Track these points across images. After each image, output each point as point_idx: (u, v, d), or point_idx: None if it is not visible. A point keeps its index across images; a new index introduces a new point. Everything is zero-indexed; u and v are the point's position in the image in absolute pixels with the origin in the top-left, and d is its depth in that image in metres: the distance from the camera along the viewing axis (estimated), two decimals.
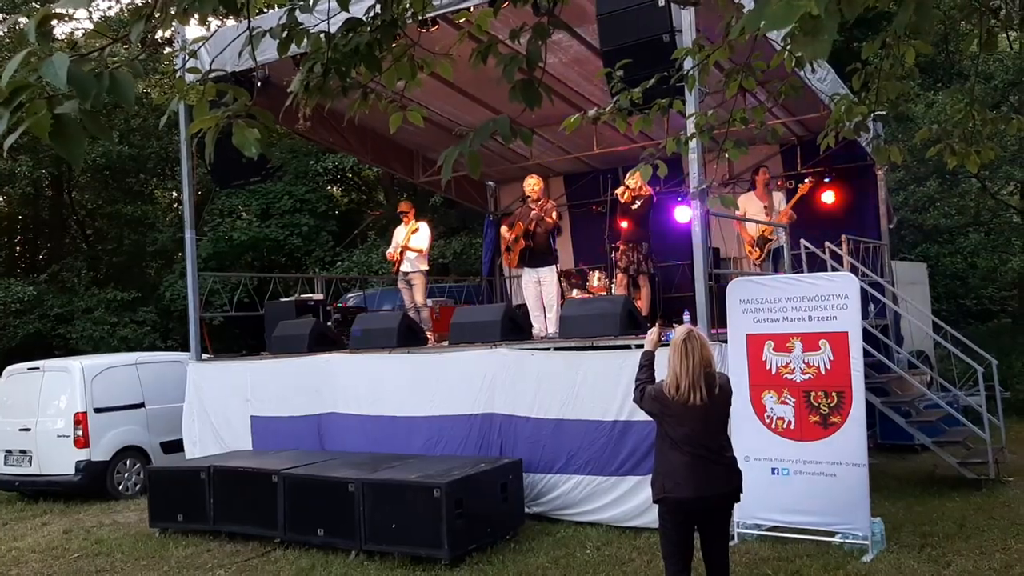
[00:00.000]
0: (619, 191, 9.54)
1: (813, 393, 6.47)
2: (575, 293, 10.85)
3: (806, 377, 6.50)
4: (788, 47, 4.01)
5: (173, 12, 2.69)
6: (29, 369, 10.82)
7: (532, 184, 9.59)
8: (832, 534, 6.37)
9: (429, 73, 3.62)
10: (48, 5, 2.30)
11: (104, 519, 9.08)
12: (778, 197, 10.00)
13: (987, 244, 15.00)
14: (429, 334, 9.94)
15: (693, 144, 5.91)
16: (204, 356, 10.37)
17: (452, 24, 7.47)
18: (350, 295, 14.70)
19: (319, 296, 11.82)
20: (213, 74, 3.15)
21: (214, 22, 15.11)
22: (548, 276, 9.37)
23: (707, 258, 7.21)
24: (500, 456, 7.65)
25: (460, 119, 11.17)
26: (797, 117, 10.78)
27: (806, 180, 10.54)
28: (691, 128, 5.24)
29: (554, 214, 9.52)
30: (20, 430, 10.32)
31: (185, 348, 11.84)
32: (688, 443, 4.36)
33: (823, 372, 6.44)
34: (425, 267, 10.61)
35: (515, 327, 8.57)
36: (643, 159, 4.36)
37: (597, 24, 7.29)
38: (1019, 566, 5.84)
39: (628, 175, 9.42)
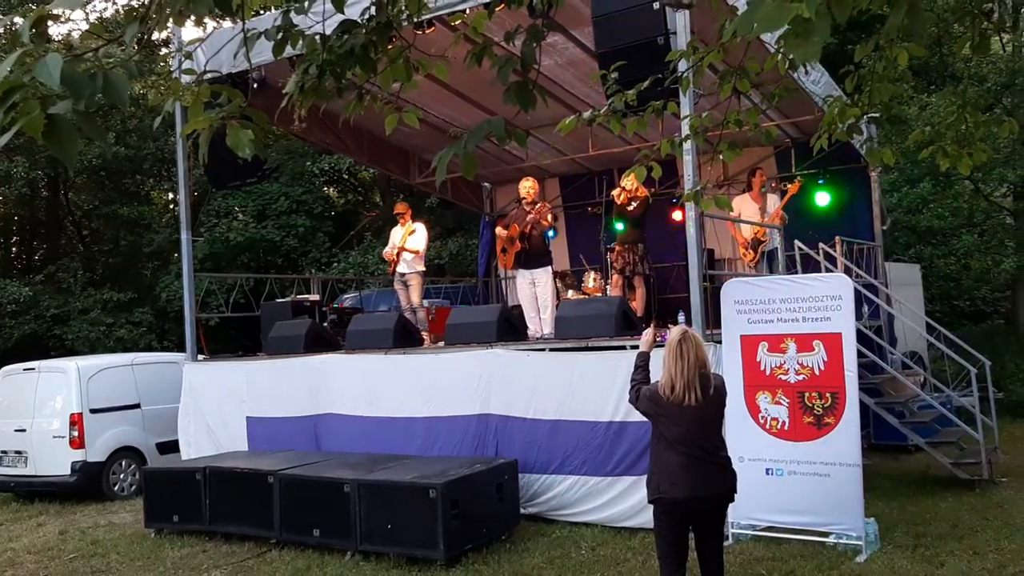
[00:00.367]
0: (615, 192, 9.56)
1: (807, 394, 6.49)
2: (570, 294, 10.87)
3: (800, 378, 6.52)
4: (781, 49, 4.03)
5: (168, 13, 2.71)
6: (25, 370, 10.81)
7: (527, 186, 9.61)
8: (826, 534, 6.39)
9: (425, 75, 3.64)
10: (43, 6, 2.31)
11: (100, 520, 9.07)
12: (772, 199, 10.03)
13: (980, 246, 15.04)
14: (425, 335, 9.95)
15: (687, 146, 5.94)
16: (200, 357, 10.36)
17: (448, 26, 7.49)
18: (346, 296, 14.70)
19: (315, 297, 11.82)
20: (208, 75, 3.16)
21: (210, 23, 15.12)
22: (543, 277, 9.39)
23: (702, 259, 7.24)
24: (496, 457, 7.67)
25: (456, 120, 11.18)
26: (791, 119, 10.81)
27: (795, 180, 10.55)
28: (685, 130, 5.25)
29: (549, 217, 9.54)
30: (16, 431, 10.31)
31: (181, 349, 11.85)
32: (683, 443, 4.37)
33: (817, 373, 6.46)
34: (421, 268, 10.62)
35: (511, 328, 8.59)
36: (637, 161, 4.38)
37: (592, 26, 7.31)
38: (1012, 566, 5.87)
39: (624, 176, 9.44)
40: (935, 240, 15.42)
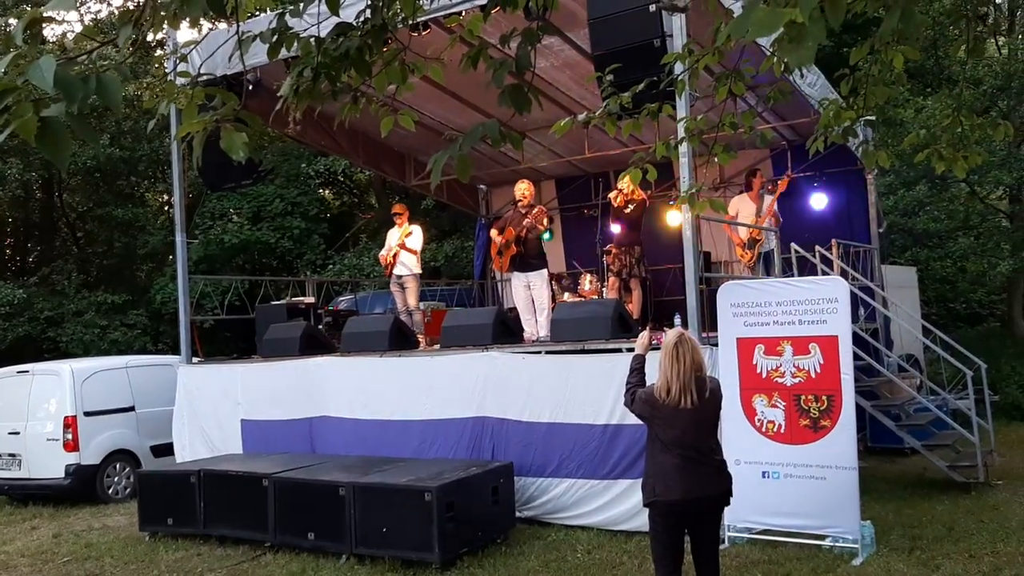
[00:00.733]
0: (612, 195, 9.56)
1: (803, 396, 6.49)
2: (566, 296, 10.87)
3: (796, 380, 6.52)
4: (776, 52, 4.03)
5: (163, 15, 2.70)
6: (18, 372, 10.77)
7: (523, 189, 9.60)
8: (822, 537, 6.39)
9: (420, 77, 3.63)
10: (37, 8, 2.30)
11: (94, 523, 9.04)
12: (767, 200, 10.05)
13: (976, 248, 15.07)
14: (421, 337, 9.94)
15: (683, 148, 5.93)
16: (195, 359, 10.34)
17: (443, 28, 7.48)
18: (341, 298, 14.69)
19: (310, 299, 11.80)
20: (203, 78, 3.15)
21: (206, 25, 15.10)
22: (537, 280, 9.38)
23: (698, 262, 7.23)
24: (492, 460, 7.66)
25: (451, 122, 11.17)
26: (787, 121, 10.82)
27: (784, 176, 10.54)
28: (681, 132, 5.25)
29: (545, 220, 9.54)
30: (9, 434, 10.27)
31: (175, 351, 11.79)
32: (678, 446, 4.37)
33: (813, 376, 6.46)
34: (418, 270, 10.60)
35: (506, 330, 8.58)
36: (633, 163, 4.38)
37: (588, 28, 7.31)
38: (1008, 569, 5.87)
39: (620, 178, 9.44)
40: (931, 243, 15.45)
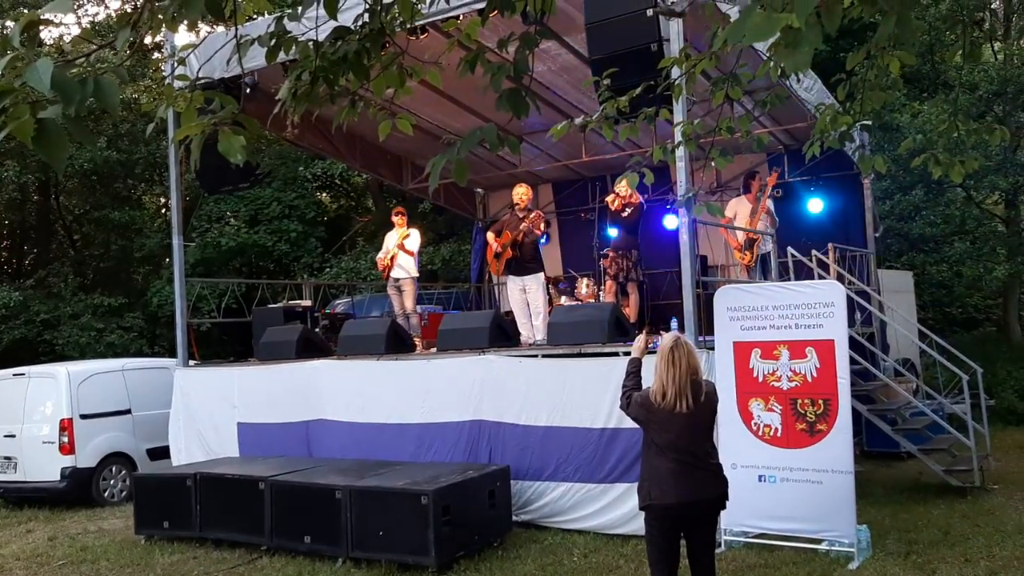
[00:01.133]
0: (609, 199, 9.57)
1: (800, 400, 6.49)
2: (563, 300, 10.87)
3: (793, 385, 6.53)
4: (772, 57, 4.04)
5: (161, 18, 2.70)
6: (14, 375, 10.75)
7: (521, 193, 9.60)
8: (818, 541, 6.39)
9: (418, 81, 3.63)
10: (34, 10, 2.30)
11: (89, 526, 9.02)
12: (761, 200, 10.06)
13: (972, 253, 15.09)
14: (417, 340, 9.93)
15: (680, 152, 5.95)
16: (191, 362, 10.32)
17: (441, 31, 7.50)
18: (338, 301, 14.68)
19: (307, 302, 11.80)
20: (201, 81, 3.15)
21: (204, 28, 15.10)
22: (533, 284, 9.38)
23: (695, 266, 7.24)
24: (488, 463, 7.65)
25: (449, 126, 11.19)
26: (783, 126, 10.85)
27: (772, 172, 10.52)
28: (678, 137, 5.26)
29: (542, 225, 9.54)
30: (5, 436, 10.25)
31: (172, 354, 11.79)
32: (673, 450, 4.37)
33: (810, 380, 6.46)
34: (416, 273, 10.60)
35: (503, 334, 8.58)
36: (630, 167, 4.39)
37: (586, 33, 7.32)
38: (1004, 573, 5.88)
39: (617, 182, 9.46)
40: (927, 247, 15.47)
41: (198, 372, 10.17)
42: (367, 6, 3.31)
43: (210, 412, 9.72)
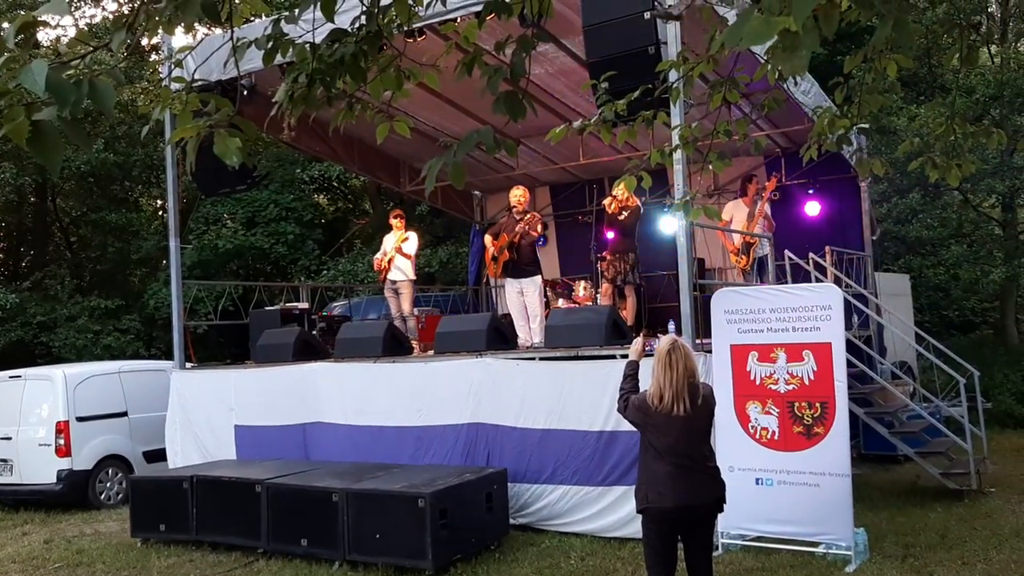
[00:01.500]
0: (606, 202, 9.56)
1: (797, 403, 6.49)
2: (561, 303, 10.86)
3: (790, 387, 6.53)
4: (770, 60, 4.04)
5: (158, 20, 2.69)
6: (11, 377, 10.72)
7: (518, 195, 9.60)
8: (815, 544, 6.39)
9: (415, 83, 3.63)
10: (29, 12, 2.30)
11: (86, 529, 9.00)
12: (758, 203, 10.07)
13: (969, 256, 15.13)
14: (415, 343, 9.93)
15: (677, 156, 5.95)
16: (188, 365, 10.30)
17: (439, 34, 7.49)
18: (335, 304, 14.68)
19: (304, 305, 11.78)
20: (198, 83, 3.15)
21: (200, 30, 15.08)
22: (530, 287, 9.37)
23: (692, 269, 7.24)
24: (486, 466, 7.64)
25: (446, 128, 11.18)
26: (781, 129, 10.86)
27: (771, 177, 10.54)
28: (675, 140, 5.26)
29: (539, 227, 9.54)
30: (1, 439, 10.22)
31: (169, 357, 11.78)
32: (671, 453, 4.36)
33: (807, 383, 6.47)
34: (413, 276, 10.59)
35: (500, 337, 8.58)
36: (628, 170, 4.38)
37: (583, 36, 7.32)
38: None
39: (614, 185, 9.46)
40: (924, 250, 15.51)
41: (195, 374, 10.16)
42: (364, 8, 3.31)
43: (207, 415, 9.70)
